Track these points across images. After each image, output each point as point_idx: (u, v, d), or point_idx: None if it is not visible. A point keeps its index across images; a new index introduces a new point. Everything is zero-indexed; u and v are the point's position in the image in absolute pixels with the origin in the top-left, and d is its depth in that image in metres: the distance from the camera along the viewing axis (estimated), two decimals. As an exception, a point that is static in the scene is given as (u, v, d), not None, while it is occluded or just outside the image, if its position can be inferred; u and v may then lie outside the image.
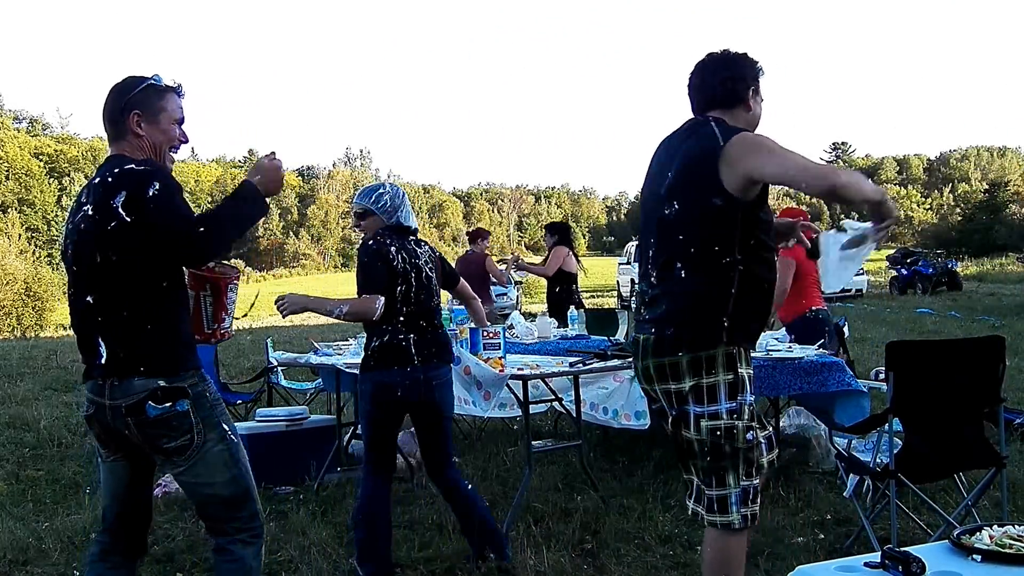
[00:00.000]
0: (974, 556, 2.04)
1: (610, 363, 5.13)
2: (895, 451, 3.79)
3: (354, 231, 4.08)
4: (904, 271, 23.60)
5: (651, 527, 4.46)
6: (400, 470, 5.69)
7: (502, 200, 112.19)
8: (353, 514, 4.01)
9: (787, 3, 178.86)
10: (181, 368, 2.65)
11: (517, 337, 6.47)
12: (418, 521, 4.70)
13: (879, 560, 1.99)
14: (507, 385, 4.74)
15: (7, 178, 65.76)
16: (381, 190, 4.00)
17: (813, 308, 6.22)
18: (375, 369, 3.83)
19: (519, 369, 4.71)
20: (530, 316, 9.05)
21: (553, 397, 5.24)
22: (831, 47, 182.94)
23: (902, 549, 2.00)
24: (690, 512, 2.92)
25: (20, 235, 56.73)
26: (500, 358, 4.89)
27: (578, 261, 9.38)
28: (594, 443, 6.20)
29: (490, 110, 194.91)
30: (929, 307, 17.15)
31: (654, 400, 2.92)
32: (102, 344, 2.62)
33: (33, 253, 53.46)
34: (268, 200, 2.74)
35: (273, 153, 2.76)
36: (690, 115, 2.95)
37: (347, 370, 5.37)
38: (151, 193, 2.52)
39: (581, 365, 4.93)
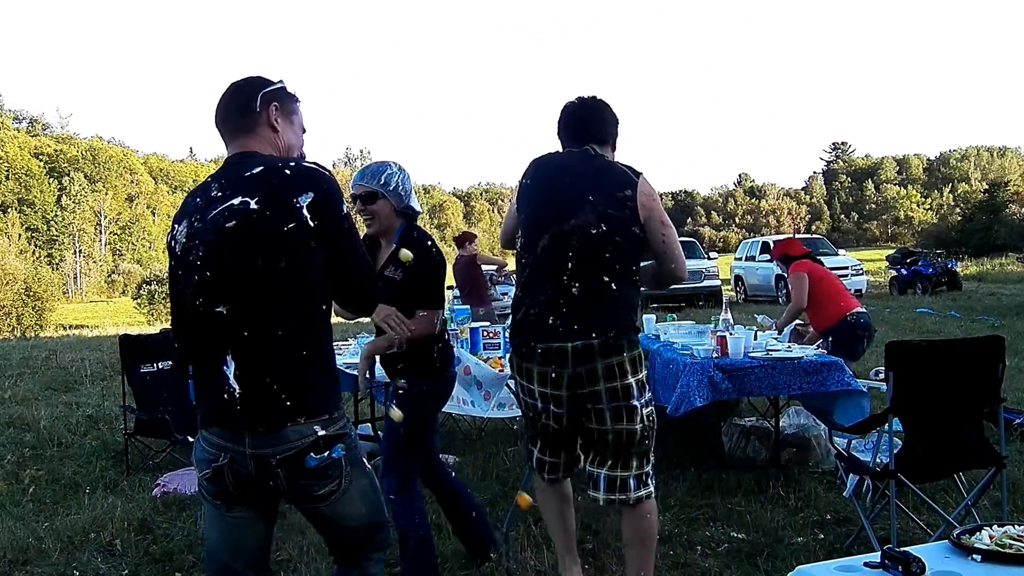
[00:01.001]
0: (974, 556, 2.04)
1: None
2: (895, 451, 3.79)
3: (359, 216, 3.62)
4: (904, 271, 23.60)
5: (651, 527, 4.45)
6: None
7: (502, 200, 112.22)
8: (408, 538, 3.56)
9: (787, 3, 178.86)
10: (335, 407, 2.25)
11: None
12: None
13: (879, 560, 1.98)
14: (507, 385, 4.74)
15: (7, 178, 65.95)
16: (389, 170, 3.54)
17: (855, 311, 6.29)
18: (422, 375, 3.52)
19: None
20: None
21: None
22: (831, 47, 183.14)
23: (902, 549, 2.00)
24: (603, 502, 3.27)
25: (20, 235, 57.01)
26: (500, 358, 4.89)
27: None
28: (594, 443, 6.18)
29: (490, 110, 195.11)
30: (929, 307, 17.15)
31: (574, 400, 3.19)
32: (232, 365, 2.16)
33: (33, 253, 53.68)
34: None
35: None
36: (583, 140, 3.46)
37: (346, 370, 5.36)
38: (344, 208, 2.24)
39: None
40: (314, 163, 2.27)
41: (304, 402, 2.18)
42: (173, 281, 2.32)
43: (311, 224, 2.15)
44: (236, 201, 2.16)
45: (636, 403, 3.17)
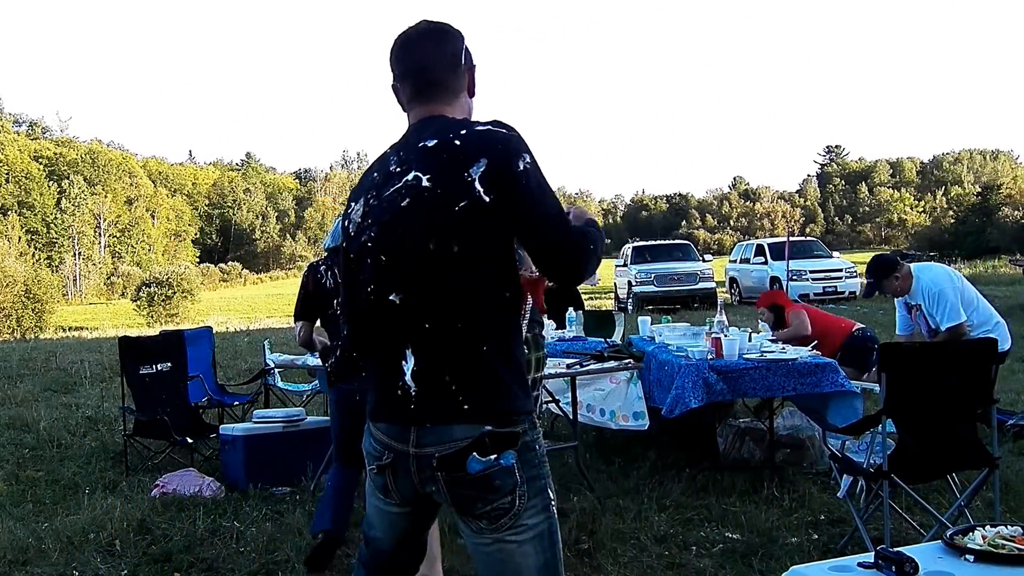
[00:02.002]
0: (967, 556, 2.05)
1: (607, 364, 5.17)
2: (888, 452, 3.82)
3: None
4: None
5: (647, 527, 4.48)
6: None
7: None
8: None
9: (782, 6, 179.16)
10: (515, 410, 1.95)
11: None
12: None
13: (873, 560, 2.00)
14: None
15: (7, 181, 65.91)
16: None
17: (858, 327, 6.39)
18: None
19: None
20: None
21: (550, 398, 5.26)
22: (826, 51, 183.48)
23: (895, 549, 2.01)
24: None
25: (20, 237, 56.95)
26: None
27: None
28: (590, 444, 6.22)
29: (487, 112, 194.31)
30: (922, 309, 17.15)
31: None
32: (411, 360, 1.95)
33: (33, 255, 53.60)
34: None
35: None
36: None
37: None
38: (521, 167, 1.90)
39: (578, 367, 4.96)
40: (490, 123, 1.97)
41: (483, 403, 1.93)
42: (346, 265, 2.11)
43: (486, 199, 1.87)
44: (410, 177, 1.94)
45: None
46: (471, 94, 2.11)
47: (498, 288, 1.94)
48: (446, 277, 1.91)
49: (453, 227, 1.89)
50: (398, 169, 1.98)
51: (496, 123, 1.96)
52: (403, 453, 1.98)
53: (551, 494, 2.03)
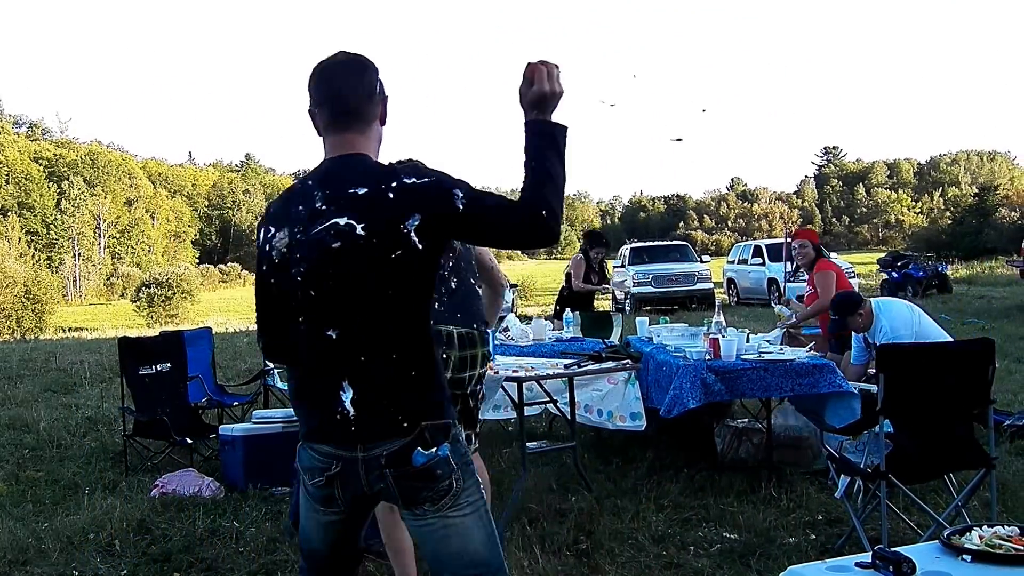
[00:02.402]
0: (964, 556, 2.06)
1: (604, 365, 5.18)
2: (885, 452, 3.84)
3: None
4: (895, 274, 23.63)
5: (645, 527, 4.49)
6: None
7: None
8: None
9: (779, 8, 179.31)
10: (446, 414, 2.15)
11: (512, 339, 6.51)
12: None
13: (870, 560, 2.01)
14: (502, 387, 4.78)
15: (7, 182, 65.89)
16: None
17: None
18: None
19: (514, 371, 4.74)
20: (526, 319, 9.09)
21: (548, 399, 5.28)
22: (823, 52, 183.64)
23: (893, 549, 2.03)
24: None
25: (20, 238, 56.92)
26: (491, 361, 4.94)
27: (600, 271, 9.07)
28: (588, 444, 6.23)
29: (485, 114, 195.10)
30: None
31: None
32: (349, 390, 2.08)
33: (32, 256, 53.55)
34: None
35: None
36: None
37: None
38: (460, 204, 2.04)
39: (576, 367, 4.97)
40: (411, 171, 2.09)
41: (406, 416, 2.09)
42: (263, 284, 2.20)
43: (420, 247, 2.03)
44: (342, 222, 2.04)
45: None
46: (383, 123, 2.23)
47: (423, 321, 2.12)
48: (382, 316, 2.06)
49: (390, 273, 2.04)
50: (324, 208, 2.07)
51: (415, 170, 2.10)
52: (351, 460, 2.11)
53: (479, 480, 2.24)
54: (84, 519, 4.88)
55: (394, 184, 2.04)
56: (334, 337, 2.07)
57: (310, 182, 2.15)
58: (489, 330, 3.97)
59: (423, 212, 2.02)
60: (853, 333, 5.60)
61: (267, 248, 2.15)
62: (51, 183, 69.91)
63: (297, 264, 2.09)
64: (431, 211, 2.02)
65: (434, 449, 2.10)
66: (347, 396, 2.08)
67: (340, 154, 2.14)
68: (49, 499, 5.51)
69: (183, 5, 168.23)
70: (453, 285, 3.69)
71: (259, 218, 2.24)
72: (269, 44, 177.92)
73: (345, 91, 2.15)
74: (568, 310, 7.59)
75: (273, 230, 2.14)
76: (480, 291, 3.83)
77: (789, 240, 12.66)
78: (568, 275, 8.93)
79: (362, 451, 2.09)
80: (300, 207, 2.11)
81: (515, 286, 25.63)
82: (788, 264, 21.67)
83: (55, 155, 74.46)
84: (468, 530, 2.17)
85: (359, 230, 2.03)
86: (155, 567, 4.24)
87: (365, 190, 2.05)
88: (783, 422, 5.72)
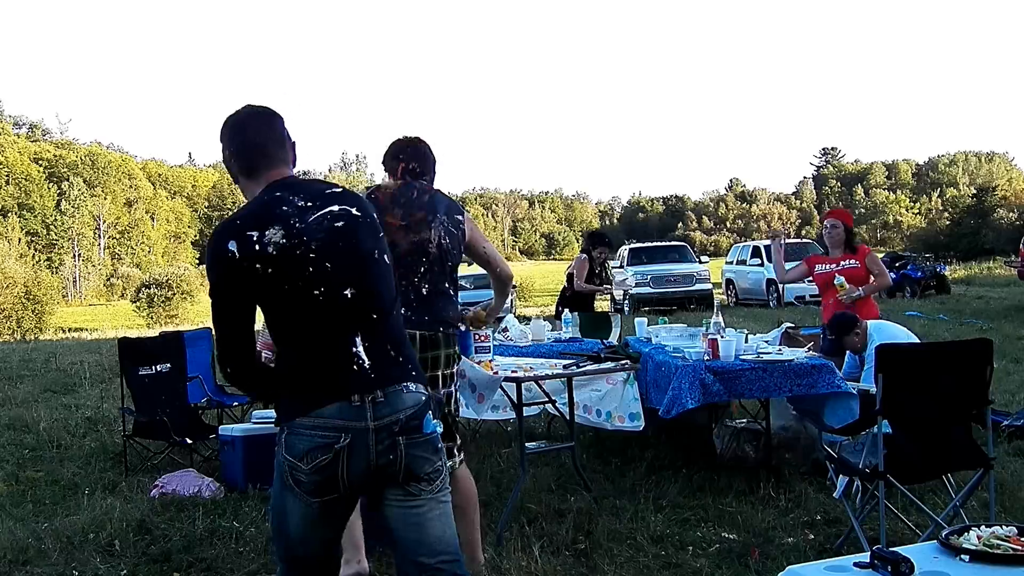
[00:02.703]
0: (962, 556, 2.07)
1: (603, 365, 5.19)
2: (883, 452, 3.84)
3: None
4: (893, 275, 23.58)
5: (643, 527, 4.50)
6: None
7: (496, 205, 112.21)
8: None
9: (777, 10, 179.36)
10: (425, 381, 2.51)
11: (511, 340, 6.51)
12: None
13: (868, 560, 2.01)
14: (500, 387, 4.79)
15: (7, 183, 65.95)
16: None
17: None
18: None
19: (513, 371, 4.75)
20: (525, 320, 9.09)
21: (546, 399, 5.28)
22: (821, 53, 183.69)
23: (891, 549, 2.03)
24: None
25: (20, 239, 56.92)
26: (490, 360, 4.95)
27: (604, 272, 8.99)
28: (587, 445, 6.24)
29: (484, 116, 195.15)
30: (918, 310, 17.22)
31: None
32: (361, 342, 2.36)
33: (33, 257, 53.52)
34: None
35: None
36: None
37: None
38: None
39: (574, 368, 4.98)
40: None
41: (413, 366, 2.44)
42: (251, 288, 2.32)
43: (382, 233, 2.50)
44: (335, 208, 2.40)
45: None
46: (293, 165, 2.55)
47: (396, 289, 2.53)
48: (384, 278, 2.46)
49: (382, 244, 2.48)
50: (310, 204, 2.39)
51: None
52: (361, 430, 2.30)
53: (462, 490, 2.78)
54: (84, 519, 4.88)
55: (347, 189, 2.53)
56: (350, 296, 2.36)
57: (277, 193, 2.40)
58: (460, 330, 4.07)
59: (374, 210, 2.51)
60: (847, 356, 5.59)
61: (256, 248, 2.30)
62: (51, 184, 69.98)
63: (306, 245, 2.33)
64: (376, 213, 2.52)
65: (435, 422, 2.40)
66: (360, 346, 2.35)
67: (283, 177, 2.47)
68: (49, 499, 5.52)
69: (183, 6, 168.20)
70: (424, 292, 3.75)
71: (215, 237, 2.36)
72: (268, 46, 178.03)
73: (261, 140, 2.48)
74: (567, 311, 7.60)
75: (257, 233, 2.31)
76: (451, 292, 3.92)
77: (785, 241, 12.62)
78: (570, 275, 8.92)
79: (373, 420, 2.30)
80: (283, 207, 2.36)
81: (514, 287, 25.71)
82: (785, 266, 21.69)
83: (55, 156, 74.51)
84: (449, 517, 2.45)
85: (354, 211, 2.44)
86: (155, 567, 4.24)
87: (340, 189, 2.49)
88: (781, 422, 5.73)
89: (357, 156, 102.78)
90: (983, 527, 2.20)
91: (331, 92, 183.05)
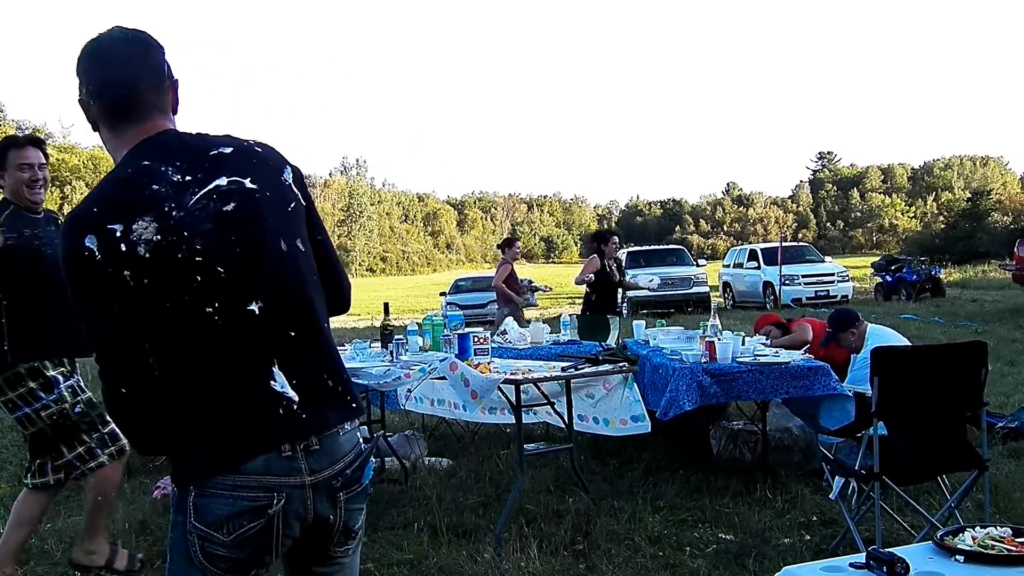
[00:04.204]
0: (957, 557, 2.07)
1: (601, 368, 5.21)
2: (879, 453, 3.87)
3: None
4: (888, 278, 23.72)
5: (641, 528, 4.53)
6: (394, 471, 5.76)
7: (495, 208, 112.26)
8: None
9: (775, 14, 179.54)
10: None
11: (510, 342, 6.54)
12: (411, 522, 4.76)
13: (864, 560, 2.01)
14: (499, 388, 4.81)
15: (9, 186, 65.70)
16: None
17: None
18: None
19: (511, 373, 4.77)
20: (524, 322, 9.11)
21: (545, 401, 5.30)
22: (818, 57, 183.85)
23: (887, 550, 2.04)
24: (31, 485, 4.09)
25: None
26: (488, 363, 4.98)
27: (619, 269, 9.25)
28: (585, 446, 6.26)
29: (483, 119, 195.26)
30: (913, 313, 17.26)
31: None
32: (280, 374, 1.76)
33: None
34: None
35: None
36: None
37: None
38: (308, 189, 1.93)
39: (573, 370, 5.01)
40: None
41: (353, 396, 1.88)
42: (123, 300, 1.66)
43: (303, 202, 1.87)
44: (223, 182, 1.74)
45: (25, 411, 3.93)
46: (175, 112, 1.88)
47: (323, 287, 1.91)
48: (302, 278, 1.82)
49: (294, 225, 1.83)
50: (190, 178, 1.73)
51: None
52: (297, 486, 1.76)
53: None
54: (86, 520, 4.88)
55: (251, 141, 1.86)
56: (257, 312, 1.73)
57: (145, 162, 1.73)
58: None
59: (290, 167, 1.88)
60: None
61: (122, 248, 1.65)
62: (54, 188, 69.85)
63: (188, 243, 1.68)
64: (293, 167, 1.88)
65: (366, 469, 1.90)
66: (281, 380, 1.75)
67: (156, 132, 1.80)
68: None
69: (183, 10, 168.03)
70: None
71: (66, 231, 1.69)
72: (269, 49, 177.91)
73: (130, 78, 1.80)
74: (565, 314, 7.63)
75: (120, 226, 1.66)
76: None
77: (783, 244, 12.66)
78: (583, 281, 9.01)
79: (309, 474, 1.77)
80: (154, 186, 1.70)
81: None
82: (781, 269, 21.76)
83: (57, 160, 74.29)
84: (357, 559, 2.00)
85: (249, 184, 1.77)
86: (156, 567, 4.25)
87: (231, 149, 1.80)
88: (778, 424, 5.76)
89: (358, 160, 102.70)
90: (978, 528, 2.20)
91: (332, 95, 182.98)
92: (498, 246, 10.69)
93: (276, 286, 1.76)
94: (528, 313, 20.92)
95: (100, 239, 1.65)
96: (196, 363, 1.71)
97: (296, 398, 1.76)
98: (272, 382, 1.75)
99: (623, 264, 25.61)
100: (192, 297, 1.68)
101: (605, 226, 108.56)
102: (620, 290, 9.44)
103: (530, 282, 10.28)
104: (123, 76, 1.80)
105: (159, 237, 1.66)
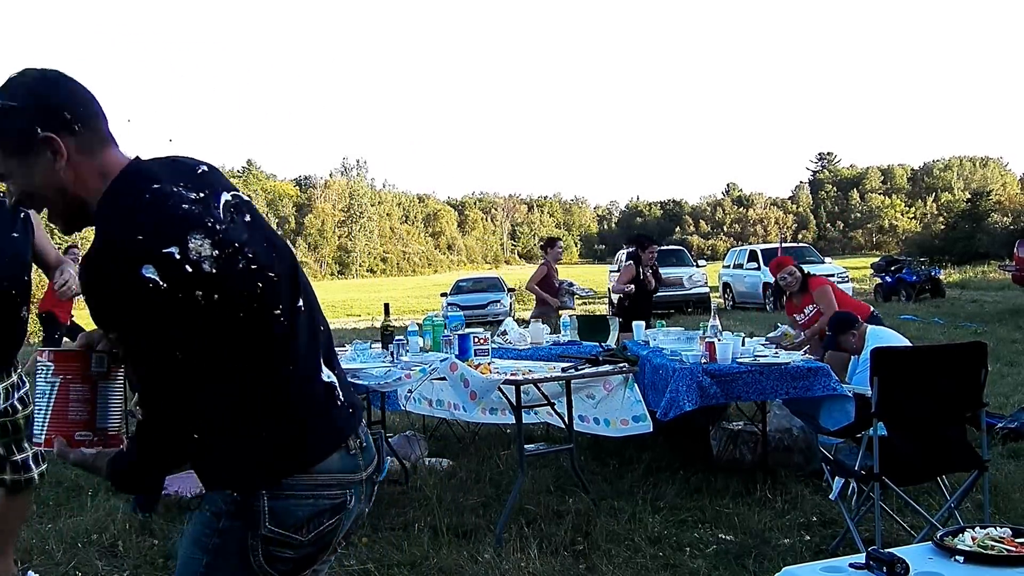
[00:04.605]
0: (956, 557, 2.07)
1: (602, 368, 5.22)
2: (879, 454, 3.88)
3: None
4: (888, 278, 23.71)
5: (641, 528, 4.53)
6: (394, 472, 5.76)
7: (495, 209, 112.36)
8: None
9: (774, 16, 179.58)
10: None
11: (510, 343, 6.55)
12: (411, 523, 4.77)
13: (864, 561, 2.01)
14: (500, 389, 4.83)
15: (9, 187, 65.84)
16: None
17: (872, 313, 6.40)
18: None
19: (512, 374, 4.78)
20: (523, 323, 9.12)
21: (545, 402, 5.32)
22: (818, 58, 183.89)
23: (886, 550, 2.04)
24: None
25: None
26: (489, 363, 5.00)
27: (655, 274, 9.08)
28: (585, 446, 6.27)
29: (483, 120, 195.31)
30: (913, 314, 17.26)
31: None
32: (325, 367, 1.84)
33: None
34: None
35: None
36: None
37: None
38: None
39: (573, 370, 5.02)
40: None
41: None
42: (191, 316, 1.62)
43: None
44: (228, 197, 1.75)
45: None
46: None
47: None
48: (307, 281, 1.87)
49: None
50: (203, 195, 1.71)
51: None
52: (358, 482, 1.82)
53: None
54: (87, 520, 4.90)
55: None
56: (303, 308, 1.79)
57: (155, 185, 1.68)
58: None
59: None
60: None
61: (188, 270, 1.60)
62: (57, 191, 70.10)
63: (242, 252, 1.67)
64: None
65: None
66: (328, 373, 1.82)
67: (130, 158, 1.79)
68: (52, 501, 5.52)
69: (185, 11, 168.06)
70: None
71: (115, 264, 1.60)
72: (270, 50, 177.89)
73: (96, 106, 1.79)
74: (566, 315, 7.63)
75: (175, 248, 1.60)
76: None
77: (782, 245, 12.65)
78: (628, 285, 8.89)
79: (364, 469, 1.83)
80: (184, 206, 1.67)
81: (512, 290, 25.70)
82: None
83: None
84: None
85: (243, 196, 1.81)
86: (157, 568, 4.26)
87: (205, 167, 1.82)
88: (778, 425, 5.77)
89: (358, 161, 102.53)
90: (977, 528, 2.20)
91: (332, 96, 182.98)
92: (541, 246, 10.43)
93: (304, 284, 1.82)
94: (527, 315, 20.90)
95: (160, 267, 1.58)
96: (271, 367, 1.72)
97: (341, 394, 1.83)
98: (327, 378, 1.81)
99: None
100: (260, 303, 1.68)
101: (605, 227, 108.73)
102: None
103: (570, 284, 10.09)
104: (92, 104, 1.78)
105: (217, 252, 1.64)
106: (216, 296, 1.62)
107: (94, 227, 1.69)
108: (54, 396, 1.82)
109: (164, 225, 1.62)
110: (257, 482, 1.71)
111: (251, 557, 1.72)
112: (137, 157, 1.78)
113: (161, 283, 1.57)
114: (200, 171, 1.78)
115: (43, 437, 1.82)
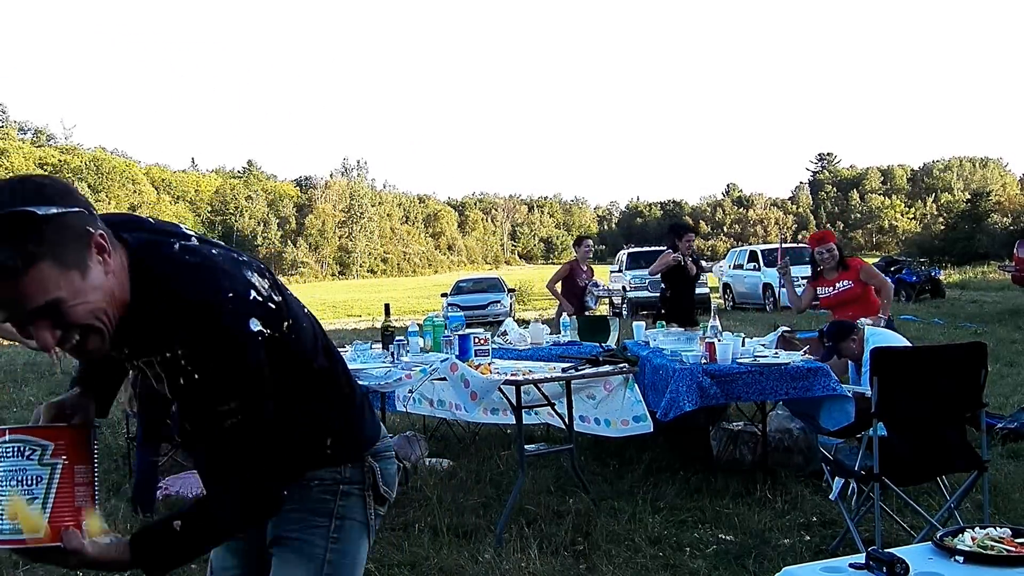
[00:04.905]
0: (956, 557, 2.07)
1: (602, 369, 5.23)
2: (879, 454, 3.88)
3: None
4: (888, 279, 23.78)
5: (641, 529, 4.54)
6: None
7: (495, 209, 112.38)
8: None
9: (774, 16, 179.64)
10: None
11: (510, 343, 6.55)
12: (411, 523, 4.77)
13: (864, 561, 2.01)
14: (499, 389, 4.83)
15: (12, 187, 66.09)
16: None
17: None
18: None
19: (512, 374, 4.78)
20: (523, 323, 9.12)
21: (545, 402, 5.32)
22: (817, 59, 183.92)
23: (886, 550, 2.04)
24: None
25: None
26: (489, 364, 5.00)
27: (695, 262, 8.94)
28: (585, 447, 6.27)
29: (483, 121, 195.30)
30: (913, 314, 17.27)
31: None
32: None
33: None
34: None
35: None
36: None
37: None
38: None
39: (573, 371, 5.02)
40: None
41: None
42: (295, 339, 1.74)
43: None
44: (234, 255, 1.80)
45: None
46: None
47: None
48: None
49: None
50: (219, 251, 1.75)
51: None
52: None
53: None
54: (86, 520, 4.91)
55: None
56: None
57: (176, 246, 1.70)
58: None
59: None
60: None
61: (271, 308, 1.68)
62: (55, 189, 70.21)
63: (283, 293, 1.78)
64: None
65: None
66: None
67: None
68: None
69: (187, 12, 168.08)
70: None
71: (227, 326, 1.59)
72: (271, 51, 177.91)
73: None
74: (565, 315, 7.64)
75: (253, 292, 1.65)
76: None
77: (783, 246, 12.61)
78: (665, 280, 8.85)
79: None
80: (212, 251, 1.73)
81: (512, 291, 25.70)
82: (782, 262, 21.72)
83: (60, 161, 74.60)
84: None
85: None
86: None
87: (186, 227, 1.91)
88: (778, 425, 5.77)
89: (358, 161, 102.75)
90: (977, 528, 2.19)
91: (333, 96, 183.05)
92: (573, 245, 10.32)
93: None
94: (527, 315, 20.94)
95: (259, 315, 1.62)
96: (326, 366, 1.86)
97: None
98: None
99: (624, 265, 25.74)
100: (314, 329, 1.84)
101: (606, 227, 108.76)
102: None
103: (596, 285, 9.99)
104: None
105: (269, 283, 1.71)
106: (289, 322, 1.71)
107: (154, 314, 1.58)
108: (56, 480, 1.63)
109: (229, 279, 1.63)
110: (359, 450, 1.91)
111: (368, 516, 1.92)
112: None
113: (265, 331, 1.62)
114: (188, 231, 1.81)
115: (43, 531, 1.58)
